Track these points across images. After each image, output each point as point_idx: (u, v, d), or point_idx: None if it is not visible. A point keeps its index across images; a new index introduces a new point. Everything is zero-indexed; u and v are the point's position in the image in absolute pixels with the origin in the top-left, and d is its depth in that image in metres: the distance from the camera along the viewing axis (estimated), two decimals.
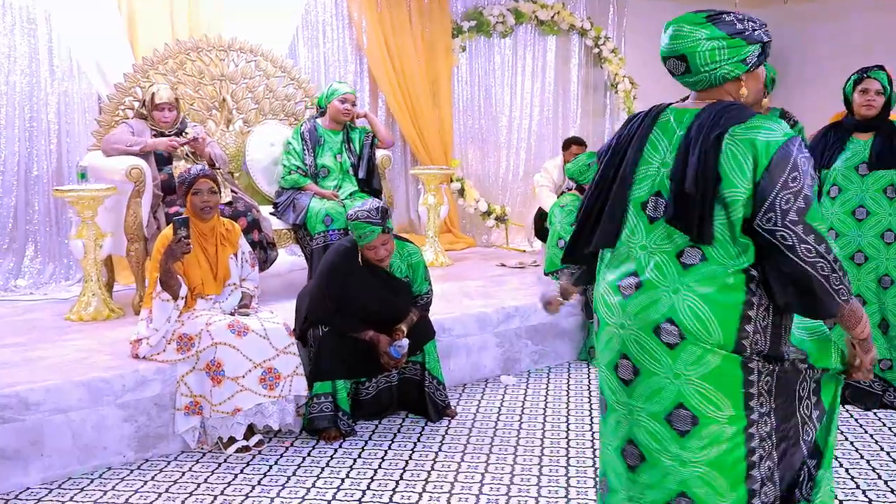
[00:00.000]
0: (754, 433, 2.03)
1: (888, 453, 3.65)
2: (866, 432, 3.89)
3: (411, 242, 4.22)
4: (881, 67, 4.16)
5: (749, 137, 1.92)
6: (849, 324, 2.01)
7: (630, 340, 2.06)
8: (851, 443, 3.75)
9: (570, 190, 5.49)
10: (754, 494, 2.05)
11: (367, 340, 3.91)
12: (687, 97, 2.18)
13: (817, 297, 1.90)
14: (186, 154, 4.97)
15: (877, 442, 3.77)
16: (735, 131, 1.94)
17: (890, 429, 3.94)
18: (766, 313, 1.98)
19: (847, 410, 4.15)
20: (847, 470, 3.45)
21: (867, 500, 3.18)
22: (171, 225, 3.75)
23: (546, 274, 5.25)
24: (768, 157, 1.90)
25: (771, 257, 1.92)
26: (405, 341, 3.91)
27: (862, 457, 3.60)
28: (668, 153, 2.04)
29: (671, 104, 2.15)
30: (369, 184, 5.51)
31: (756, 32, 2.01)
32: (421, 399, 4.11)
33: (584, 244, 2.21)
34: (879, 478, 3.39)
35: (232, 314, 3.93)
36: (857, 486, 3.29)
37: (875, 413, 4.14)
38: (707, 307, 1.96)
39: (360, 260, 3.95)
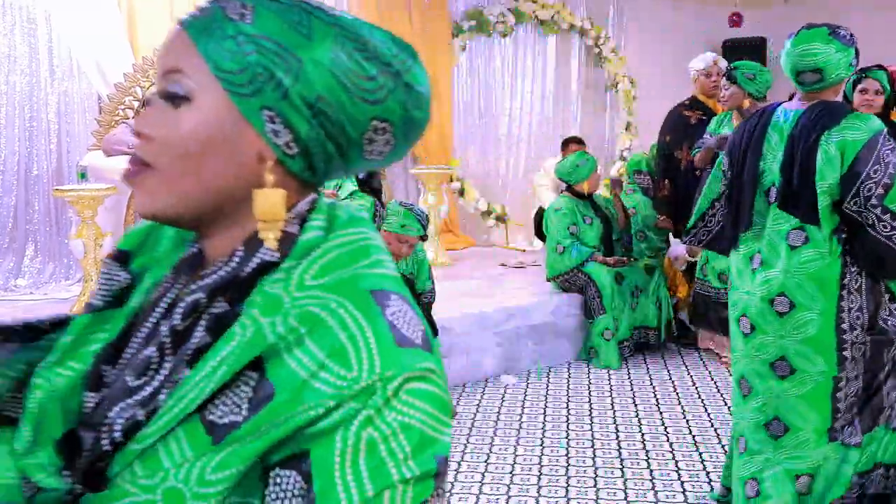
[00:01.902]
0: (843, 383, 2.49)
1: None
2: None
3: None
4: (881, 67, 4.15)
5: (841, 138, 2.38)
6: None
7: (750, 305, 2.58)
8: None
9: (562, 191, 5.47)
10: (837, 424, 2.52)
11: None
12: (792, 96, 2.65)
13: (887, 261, 2.38)
14: None
15: None
16: (830, 133, 2.40)
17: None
18: (858, 277, 2.45)
19: None
20: None
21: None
22: None
23: (548, 280, 5.24)
24: (854, 152, 2.35)
25: (856, 232, 2.40)
26: None
27: None
28: (778, 149, 2.52)
29: (780, 105, 2.61)
30: (369, 184, 5.50)
31: (853, 38, 2.47)
32: None
33: (731, 226, 2.68)
34: None
35: None
36: None
37: None
38: (811, 282, 2.45)
39: None
